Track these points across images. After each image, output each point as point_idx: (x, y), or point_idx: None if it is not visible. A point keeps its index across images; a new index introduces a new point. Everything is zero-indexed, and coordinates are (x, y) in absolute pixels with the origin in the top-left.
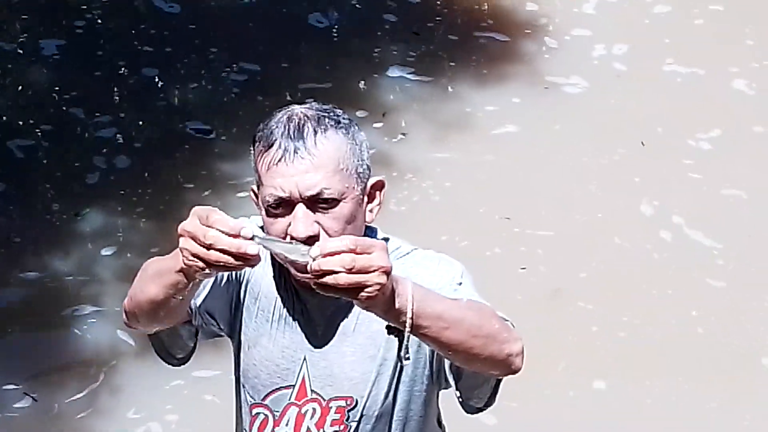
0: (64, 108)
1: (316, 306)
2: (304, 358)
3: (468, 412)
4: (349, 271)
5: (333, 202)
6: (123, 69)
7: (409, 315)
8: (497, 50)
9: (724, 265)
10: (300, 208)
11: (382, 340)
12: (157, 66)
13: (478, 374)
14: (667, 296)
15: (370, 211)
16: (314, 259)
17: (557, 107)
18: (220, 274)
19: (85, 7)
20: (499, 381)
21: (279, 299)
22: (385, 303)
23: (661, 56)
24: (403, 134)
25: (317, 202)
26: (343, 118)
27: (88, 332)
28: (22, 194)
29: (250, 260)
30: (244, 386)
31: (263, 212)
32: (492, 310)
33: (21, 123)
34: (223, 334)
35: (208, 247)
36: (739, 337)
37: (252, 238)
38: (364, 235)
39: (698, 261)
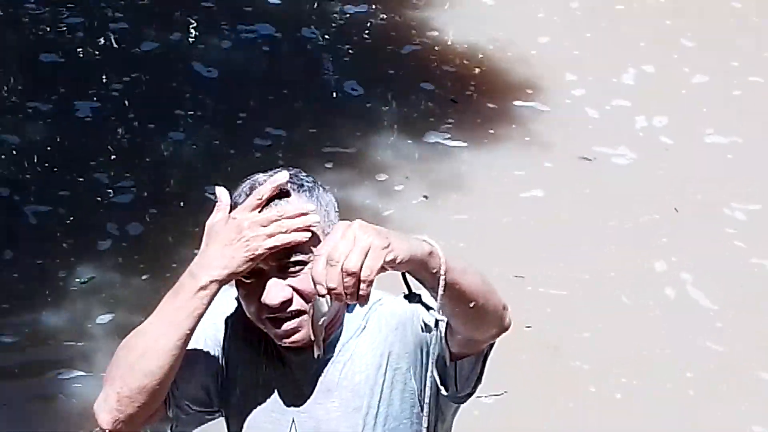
0: (87, 173)
1: (299, 365)
2: (292, 420)
3: (459, 404)
4: (350, 274)
5: (302, 265)
6: (152, 133)
7: (443, 268)
8: (536, 118)
9: (722, 328)
10: (271, 276)
11: (366, 389)
12: (184, 130)
13: (471, 357)
14: (665, 356)
15: None
16: (324, 296)
17: (591, 175)
18: (192, 357)
19: (124, 69)
20: (485, 362)
21: (261, 365)
22: (410, 257)
23: (702, 126)
24: (425, 197)
25: (287, 267)
26: (307, 182)
27: (73, 397)
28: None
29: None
30: None
31: (236, 286)
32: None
33: (42, 187)
34: (211, 415)
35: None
36: (729, 404)
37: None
38: None
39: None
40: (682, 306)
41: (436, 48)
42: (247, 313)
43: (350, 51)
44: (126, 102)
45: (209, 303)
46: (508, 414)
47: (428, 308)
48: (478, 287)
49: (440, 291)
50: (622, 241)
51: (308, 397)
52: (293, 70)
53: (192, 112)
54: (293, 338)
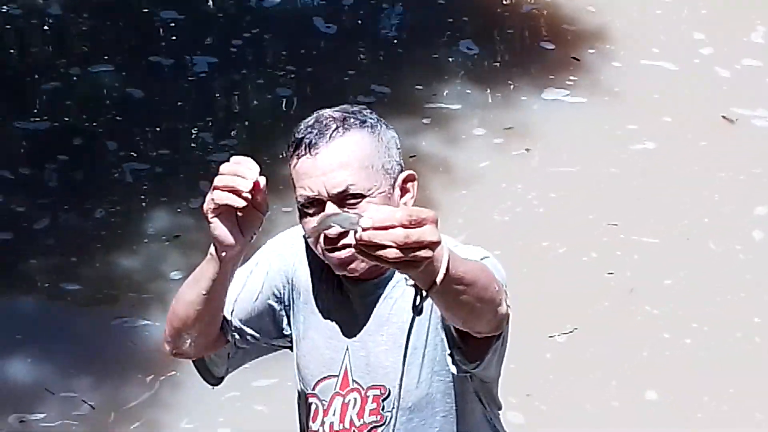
0: (191, 131)
1: (356, 296)
2: (347, 348)
3: (464, 371)
4: (401, 247)
5: (360, 198)
6: (260, 90)
7: (440, 278)
8: (664, 78)
9: None
10: (329, 206)
11: (413, 328)
12: (291, 86)
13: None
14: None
15: (404, 204)
16: (365, 230)
17: (706, 131)
18: (254, 285)
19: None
20: (496, 348)
21: (321, 292)
22: (423, 269)
23: None
24: (527, 149)
25: (345, 199)
26: (370, 118)
27: (143, 343)
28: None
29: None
30: (300, 378)
31: (298, 213)
32: (492, 273)
33: (145, 143)
34: (276, 344)
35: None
36: None
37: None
38: None
39: None
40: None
41: (557, 7)
42: (309, 243)
43: (467, 10)
44: (242, 58)
45: (218, 268)
46: (579, 353)
47: (417, 293)
48: (473, 301)
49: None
50: (727, 192)
51: (362, 328)
52: (409, 29)
53: (303, 69)
54: (350, 267)
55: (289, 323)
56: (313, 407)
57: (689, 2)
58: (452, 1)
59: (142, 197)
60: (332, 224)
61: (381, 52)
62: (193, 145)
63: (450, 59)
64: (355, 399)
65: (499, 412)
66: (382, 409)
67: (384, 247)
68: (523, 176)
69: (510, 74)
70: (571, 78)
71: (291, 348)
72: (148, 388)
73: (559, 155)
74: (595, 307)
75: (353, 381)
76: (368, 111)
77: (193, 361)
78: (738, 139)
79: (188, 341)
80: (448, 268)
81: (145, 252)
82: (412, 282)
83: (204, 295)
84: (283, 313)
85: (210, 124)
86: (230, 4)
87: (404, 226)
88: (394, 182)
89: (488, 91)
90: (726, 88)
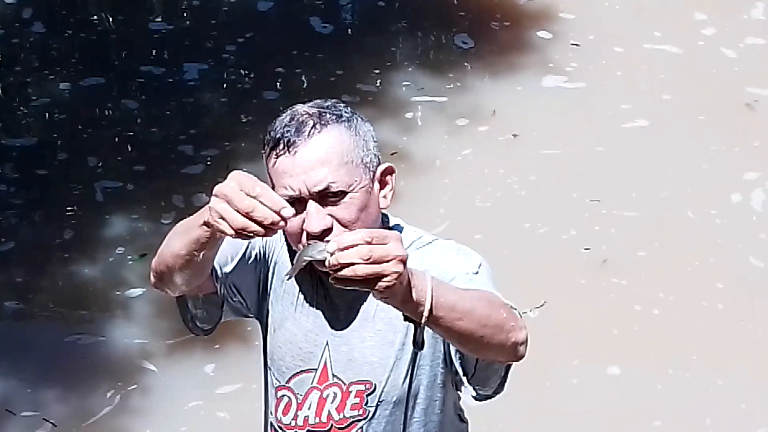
0: (174, 147)
1: (337, 291)
2: (327, 343)
3: (478, 400)
4: (367, 261)
5: (342, 194)
6: (247, 94)
7: (427, 307)
8: (669, 60)
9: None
10: (311, 204)
11: (402, 325)
12: (281, 88)
13: (489, 368)
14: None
15: (384, 197)
16: (332, 254)
17: (708, 109)
18: (249, 251)
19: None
20: (508, 369)
21: (302, 284)
22: (402, 294)
23: None
24: (514, 135)
25: (327, 196)
26: (345, 112)
27: (101, 359)
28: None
29: (275, 230)
30: (270, 369)
31: None
32: (501, 300)
33: (117, 162)
34: (248, 314)
35: (244, 214)
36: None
37: (287, 218)
38: (381, 223)
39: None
40: (742, 216)
41: None
42: (289, 239)
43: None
44: (234, 63)
45: (204, 236)
46: (548, 327)
47: (416, 330)
48: (474, 330)
49: (421, 331)
50: (717, 163)
51: (344, 323)
52: (405, 25)
53: (291, 70)
54: None
55: (266, 306)
56: (285, 400)
57: None
58: None
59: (110, 215)
60: (305, 258)
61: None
62: (172, 156)
63: (442, 52)
64: (335, 393)
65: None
66: (366, 404)
67: (353, 264)
68: (508, 162)
69: (508, 64)
70: (572, 65)
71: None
72: (109, 402)
73: (546, 139)
74: (568, 282)
75: (333, 376)
76: (342, 105)
77: (180, 310)
78: (746, 116)
79: (173, 283)
80: (433, 298)
81: (108, 269)
82: (409, 319)
83: (191, 251)
84: (265, 294)
85: (193, 133)
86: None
87: (368, 243)
88: (374, 175)
89: (484, 80)
90: (737, 69)
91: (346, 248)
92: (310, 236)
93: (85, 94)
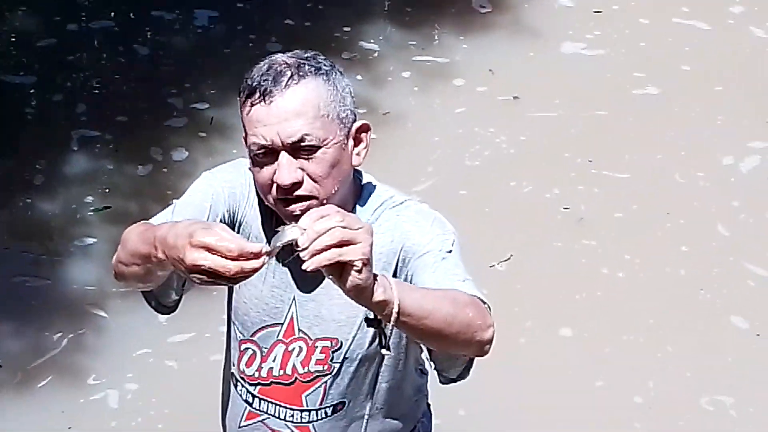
0: (160, 97)
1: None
2: (293, 299)
3: (441, 383)
4: (340, 225)
5: (315, 149)
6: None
7: (395, 307)
8: (696, 36)
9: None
10: (283, 155)
11: None
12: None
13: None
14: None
15: (357, 154)
16: (304, 230)
17: (726, 80)
18: (212, 216)
19: None
20: (472, 358)
21: (269, 240)
22: (370, 291)
23: None
24: (515, 97)
25: (299, 149)
26: (324, 65)
27: (47, 302)
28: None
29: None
30: (234, 323)
31: (250, 161)
32: (467, 297)
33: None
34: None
35: (234, 258)
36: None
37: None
38: (356, 183)
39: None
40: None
41: None
42: (259, 191)
43: None
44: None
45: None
46: (511, 284)
47: (381, 334)
48: (439, 329)
49: (389, 334)
50: (719, 132)
51: (313, 281)
52: None
53: (300, 22)
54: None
55: None
56: (249, 353)
57: None
58: None
59: (87, 162)
60: (278, 242)
61: (381, 8)
62: (159, 108)
63: (458, 14)
64: (300, 348)
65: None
66: (331, 360)
67: (330, 230)
68: (504, 122)
69: (525, 30)
70: (595, 32)
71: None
72: (56, 344)
73: (546, 102)
74: (540, 239)
75: (299, 330)
76: (322, 57)
77: (143, 294)
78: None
79: (138, 286)
80: (400, 299)
81: (69, 215)
82: (372, 324)
83: (150, 271)
84: None
85: (188, 86)
86: None
87: (338, 212)
88: (349, 131)
89: (494, 44)
90: (765, 48)
91: (319, 218)
92: (280, 188)
93: (94, 36)
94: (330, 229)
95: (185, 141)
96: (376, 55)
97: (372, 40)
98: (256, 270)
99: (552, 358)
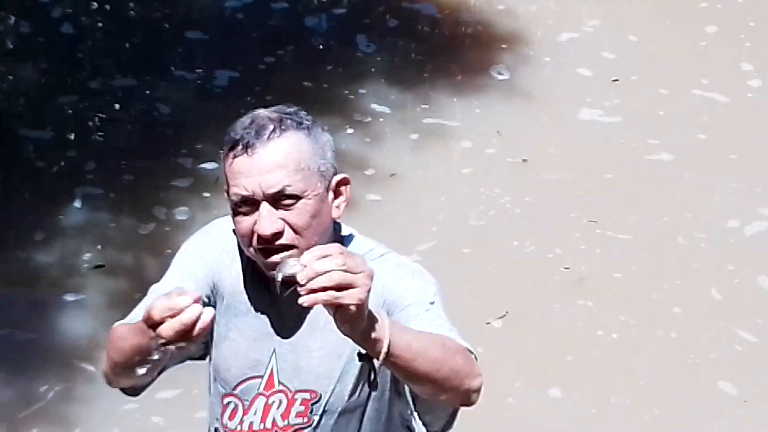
0: (167, 157)
1: (286, 299)
2: (273, 350)
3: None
4: (340, 268)
5: (296, 199)
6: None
7: (385, 345)
8: (714, 107)
9: None
10: (264, 206)
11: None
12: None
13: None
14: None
15: (337, 207)
16: (305, 266)
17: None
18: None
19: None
20: (456, 410)
21: (247, 293)
22: (363, 327)
23: None
24: (524, 159)
25: (280, 200)
26: (306, 120)
27: (33, 355)
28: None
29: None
30: (215, 379)
31: (231, 212)
32: (457, 344)
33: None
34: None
35: (186, 334)
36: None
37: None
38: (336, 236)
39: None
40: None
41: (597, 37)
42: (239, 241)
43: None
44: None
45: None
46: (507, 342)
47: (371, 370)
48: (428, 372)
49: (377, 371)
50: (729, 200)
51: (292, 331)
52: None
53: (318, 85)
54: None
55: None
56: (231, 406)
57: (732, 34)
58: (491, 29)
59: (88, 218)
60: (279, 274)
61: (398, 72)
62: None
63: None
64: (281, 400)
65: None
66: (310, 412)
67: (329, 272)
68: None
69: (539, 96)
70: (613, 100)
71: (204, 356)
72: (41, 398)
73: (556, 165)
74: (538, 299)
75: (279, 383)
76: (304, 113)
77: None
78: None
79: (135, 380)
80: (391, 337)
81: (60, 269)
82: (363, 358)
83: (145, 359)
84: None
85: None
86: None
87: (341, 254)
88: (329, 185)
89: (509, 112)
90: None
91: (321, 257)
92: (261, 238)
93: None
94: (329, 272)
95: (188, 200)
96: (384, 117)
97: (383, 103)
98: (195, 321)
99: (538, 420)
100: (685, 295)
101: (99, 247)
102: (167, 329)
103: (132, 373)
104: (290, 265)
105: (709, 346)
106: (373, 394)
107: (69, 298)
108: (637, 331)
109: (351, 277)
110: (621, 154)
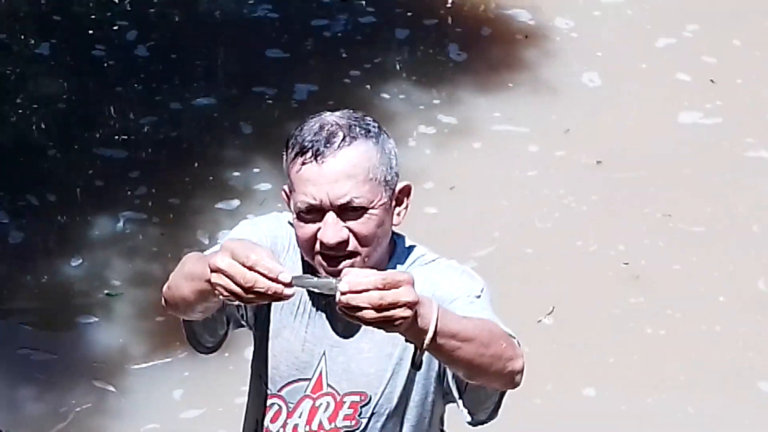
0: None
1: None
2: (324, 353)
3: (472, 425)
4: (377, 308)
5: (363, 210)
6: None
7: (430, 335)
8: None
9: None
10: (330, 215)
11: (401, 339)
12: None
13: (481, 390)
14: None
15: (398, 214)
16: (343, 294)
17: None
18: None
19: None
20: (502, 395)
21: (305, 293)
22: (407, 327)
23: None
24: (598, 161)
25: (347, 210)
26: (373, 127)
27: (53, 375)
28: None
29: (282, 300)
30: (261, 377)
31: (294, 216)
32: (500, 330)
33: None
34: (245, 324)
35: (246, 289)
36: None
37: (290, 283)
38: (391, 241)
39: None
40: None
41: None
42: (300, 245)
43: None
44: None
45: (210, 291)
46: (555, 338)
47: (416, 351)
48: (472, 358)
49: (420, 352)
50: None
51: (344, 334)
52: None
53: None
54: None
55: (263, 314)
56: (274, 408)
57: None
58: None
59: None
60: (313, 289)
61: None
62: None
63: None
64: (328, 403)
65: None
66: (359, 415)
67: (362, 309)
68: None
69: (641, 102)
70: (717, 102)
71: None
72: (62, 418)
73: (630, 164)
74: (593, 296)
75: (328, 385)
76: (370, 119)
77: (184, 329)
78: None
79: (186, 315)
80: (437, 327)
81: (86, 292)
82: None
83: (199, 300)
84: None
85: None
86: None
87: (379, 289)
88: (393, 193)
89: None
90: None
91: (356, 291)
92: (324, 246)
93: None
94: (368, 291)
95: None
96: (451, 127)
97: (454, 114)
98: (271, 295)
99: (571, 417)
100: (732, 287)
101: (131, 273)
102: (252, 277)
103: (184, 301)
104: (327, 287)
105: (749, 342)
106: (417, 398)
107: (91, 319)
108: (683, 325)
109: (392, 294)
110: (711, 151)
